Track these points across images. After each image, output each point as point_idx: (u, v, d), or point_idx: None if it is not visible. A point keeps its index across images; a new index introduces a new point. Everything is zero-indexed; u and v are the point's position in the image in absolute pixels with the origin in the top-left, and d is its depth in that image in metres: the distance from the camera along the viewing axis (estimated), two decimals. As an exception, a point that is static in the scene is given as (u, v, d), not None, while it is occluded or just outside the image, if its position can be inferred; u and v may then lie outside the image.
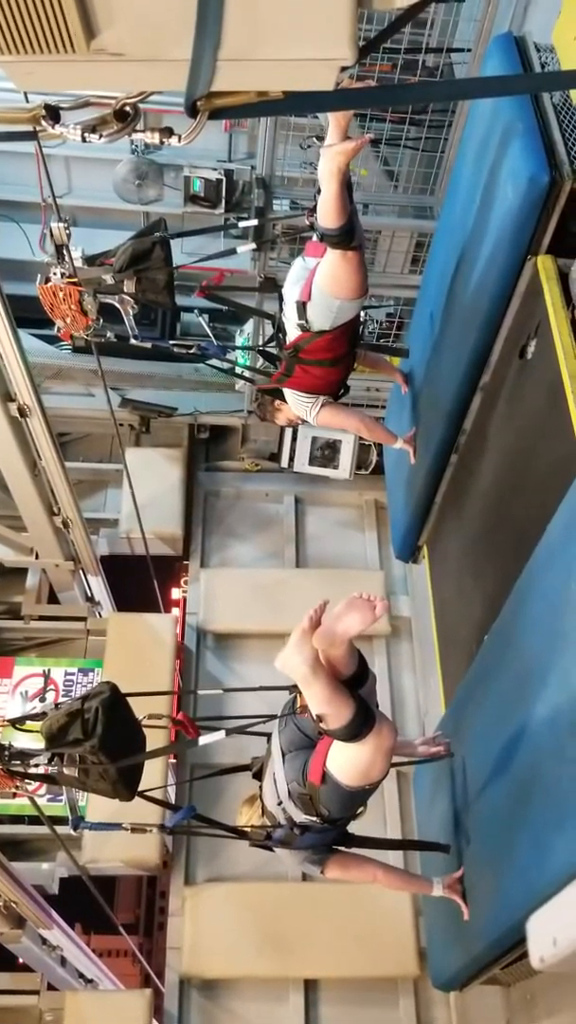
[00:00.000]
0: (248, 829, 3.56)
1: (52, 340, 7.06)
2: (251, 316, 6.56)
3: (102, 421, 7.13)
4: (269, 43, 1.38)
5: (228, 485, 7.89)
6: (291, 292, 4.08)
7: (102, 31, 1.36)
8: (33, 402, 5.01)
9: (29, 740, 3.29)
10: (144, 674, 5.82)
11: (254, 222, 5.11)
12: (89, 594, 6.98)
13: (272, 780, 3.40)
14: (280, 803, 3.36)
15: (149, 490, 6.81)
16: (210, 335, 4.91)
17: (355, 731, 2.96)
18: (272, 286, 4.74)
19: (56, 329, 4.28)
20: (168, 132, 1.74)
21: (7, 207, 7.34)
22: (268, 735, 3.54)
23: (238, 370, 6.06)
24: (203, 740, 3.38)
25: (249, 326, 6.95)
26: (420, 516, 5.69)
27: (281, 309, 4.21)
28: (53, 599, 7.15)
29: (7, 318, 4.51)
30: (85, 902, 5.85)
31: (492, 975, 4.35)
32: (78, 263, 3.96)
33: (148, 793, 3.33)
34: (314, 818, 3.32)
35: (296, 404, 4.55)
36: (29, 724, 3.18)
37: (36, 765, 3.03)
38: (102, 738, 2.90)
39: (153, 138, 1.77)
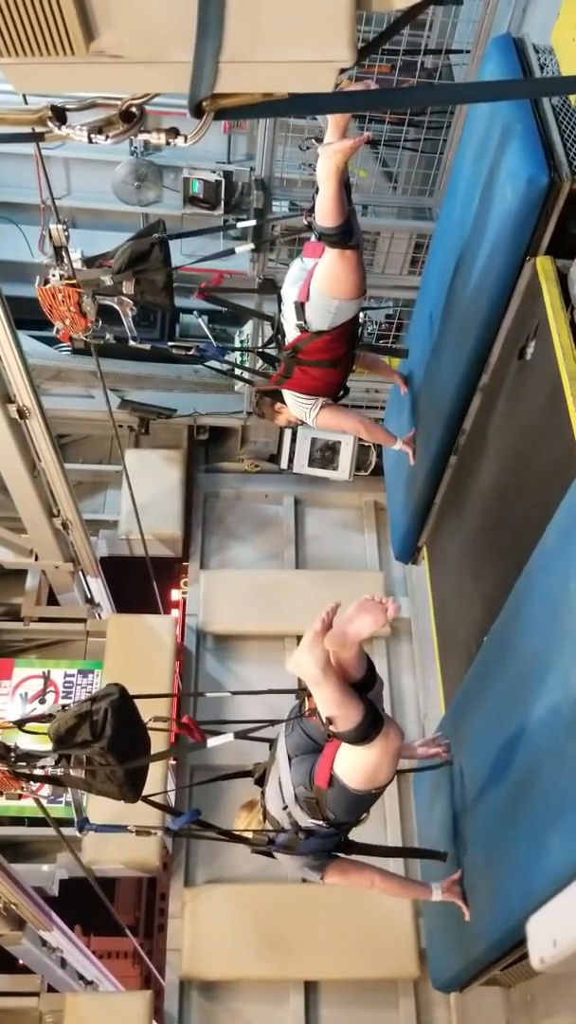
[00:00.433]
0: (251, 834, 3.57)
1: (51, 342, 7.07)
2: (250, 317, 6.56)
3: (101, 422, 7.13)
4: (268, 44, 1.38)
5: (228, 486, 7.88)
6: (289, 293, 4.08)
7: (101, 33, 1.35)
8: (32, 404, 5.00)
9: (33, 742, 3.29)
10: (144, 676, 5.80)
11: (253, 223, 5.10)
12: (89, 596, 6.97)
13: (277, 784, 3.40)
14: (285, 807, 3.37)
15: (148, 491, 6.81)
16: (209, 336, 4.91)
17: (364, 733, 2.98)
18: (271, 287, 4.73)
19: (55, 331, 4.26)
20: (174, 132, 1.74)
21: (6, 209, 7.35)
22: (272, 740, 3.55)
23: (237, 371, 6.06)
24: (211, 742, 3.36)
25: (248, 327, 6.95)
26: (419, 517, 5.68)
27: (280, 310, 4.21)
28: (53, 601, 7.13)
29: (6, 320, 4.50)
30: (85, 904, 5.85)
31: (492, 976, 4.36)
32: (77, 265, 3.95)
33: (151, 797, 3.33)
34: (320, 822, 3.33)
35: (295, 406, 4.55)
36: (36, 726, 3.17)
37: (42, 767, 3.03)
38: (111, 740, 2.89)
39: (159, 139, 1.77)
